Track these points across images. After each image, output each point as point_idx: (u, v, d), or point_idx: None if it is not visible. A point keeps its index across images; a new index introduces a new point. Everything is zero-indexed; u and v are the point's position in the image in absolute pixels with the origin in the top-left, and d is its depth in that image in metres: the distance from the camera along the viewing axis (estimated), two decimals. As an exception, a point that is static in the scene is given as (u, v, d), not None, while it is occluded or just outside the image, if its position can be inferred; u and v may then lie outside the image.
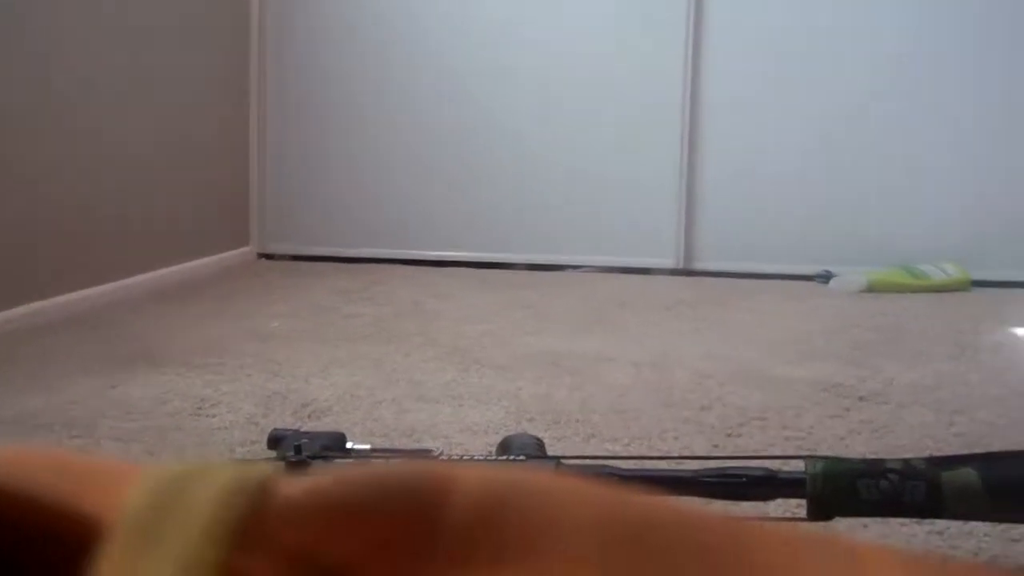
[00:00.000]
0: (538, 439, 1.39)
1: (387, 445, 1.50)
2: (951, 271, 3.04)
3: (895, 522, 1.20)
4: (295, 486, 0.18)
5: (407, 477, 0.18)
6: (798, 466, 1.16)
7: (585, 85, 3.37)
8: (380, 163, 3.52)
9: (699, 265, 3.34)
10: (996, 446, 1.49)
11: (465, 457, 1.30)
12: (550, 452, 1.35)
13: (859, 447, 1.52)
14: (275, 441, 1.29)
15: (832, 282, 3.06)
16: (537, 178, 3.43)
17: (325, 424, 1.60)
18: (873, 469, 1.08)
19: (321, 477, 0.18)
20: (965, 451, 1.48)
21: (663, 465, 1.29)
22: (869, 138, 3.22)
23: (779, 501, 1.18)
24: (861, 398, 1.79)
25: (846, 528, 1.16)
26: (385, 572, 0.17)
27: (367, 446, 1.32)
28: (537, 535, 0.17)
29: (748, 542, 0.17)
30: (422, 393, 1.80)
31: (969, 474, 1.05)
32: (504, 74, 3.42)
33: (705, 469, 1.18)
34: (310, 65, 3.52)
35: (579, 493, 0.18)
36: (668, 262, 3.35)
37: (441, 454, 1.30)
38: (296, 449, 1.19)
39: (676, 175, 3.33)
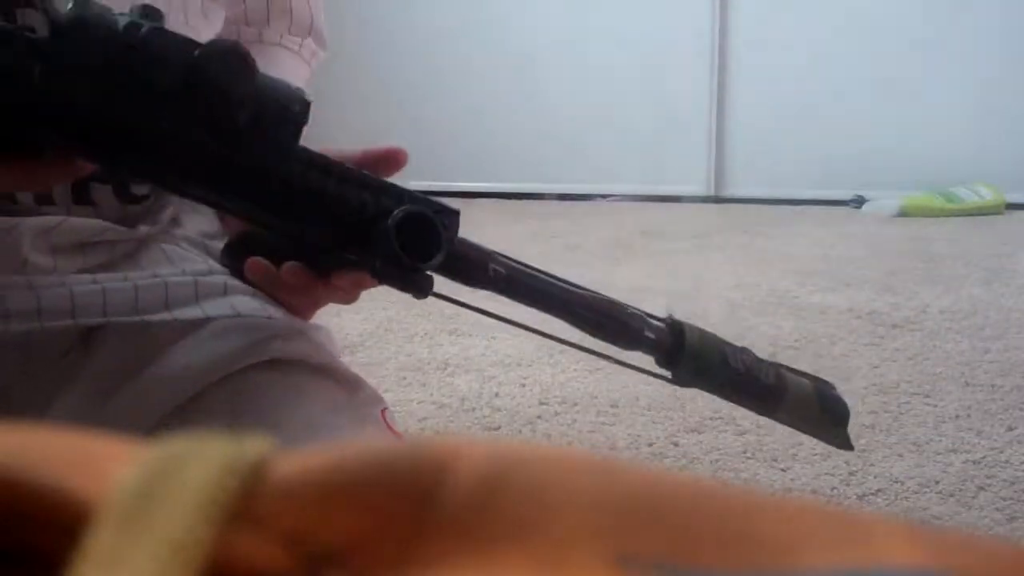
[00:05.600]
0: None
1: (421, 380, 1.51)
2: (985, 194, 2.99)
3: (930, 450, 1.20)
4: (290, 465, 0.18)
5: (405, 455, 0.18)
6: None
7: (613, 9, 3.31)
8: (407, 93, 3.49)
9: (730, 192, 3.31)
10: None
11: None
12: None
13: (893, 375, 1.51)
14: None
15: (865, 207, 3.03)
16: (565, 107, 3.39)
17: (359, 359, 1.62)
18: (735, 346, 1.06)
19: (317, 455, 0.18)
20: (1001, 378, 1.48)
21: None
22: (902, 60, 3.16)
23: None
24: (895, 325, 1.78)
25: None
26: (382, 553, 0.17)
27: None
28: (543, 512, 0.17)
29: (760, 516, 0.17)
30: (454, 327, 1.80)
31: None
32: (529, 1, 3.38)
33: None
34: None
35: (587, 467, 0.18)
36: (699, 190, 3.32)
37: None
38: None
39: (706, 101, 3.28)
